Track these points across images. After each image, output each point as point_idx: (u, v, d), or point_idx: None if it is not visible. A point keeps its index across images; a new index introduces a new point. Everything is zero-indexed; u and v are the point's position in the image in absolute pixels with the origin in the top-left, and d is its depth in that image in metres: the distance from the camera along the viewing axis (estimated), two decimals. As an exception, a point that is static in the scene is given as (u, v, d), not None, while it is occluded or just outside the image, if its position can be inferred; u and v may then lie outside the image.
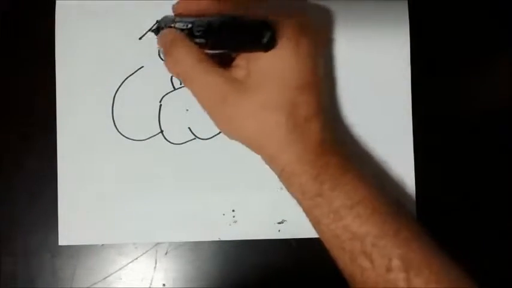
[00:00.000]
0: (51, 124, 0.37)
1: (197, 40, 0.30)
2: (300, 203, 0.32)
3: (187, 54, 0.30)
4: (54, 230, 0.37)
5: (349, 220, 0.30)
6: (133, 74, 0.37)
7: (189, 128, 0.37)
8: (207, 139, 0.37)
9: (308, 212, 0.32)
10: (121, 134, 0.37)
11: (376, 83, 0.38)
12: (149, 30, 0.37)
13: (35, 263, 0.37)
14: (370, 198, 0.30)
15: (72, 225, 0.37)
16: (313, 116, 0.31)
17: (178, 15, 0.33)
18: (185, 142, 0.37)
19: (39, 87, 0.37)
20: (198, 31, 0.30)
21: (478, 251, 0.36)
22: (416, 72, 0.37)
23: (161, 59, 0.37)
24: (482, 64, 0.38)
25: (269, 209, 0.37)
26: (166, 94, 0.37)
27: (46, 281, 0.37)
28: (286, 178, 0.32)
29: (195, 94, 0.31)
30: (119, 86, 0.37)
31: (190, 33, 0.31)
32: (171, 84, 0.37)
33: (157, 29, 0.34)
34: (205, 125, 0.37)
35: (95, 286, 0.37)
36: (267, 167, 0.37)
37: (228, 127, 0.32)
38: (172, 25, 0.32)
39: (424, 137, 0.37)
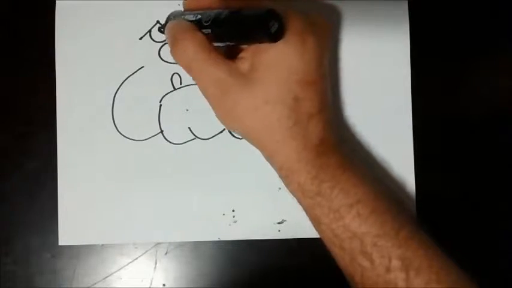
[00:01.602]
0: (51, 124, 0.37)
1: (205, 31, 0.30)
2: (299, 201, 0.32)
3: (194, 44, 0.30)
4: (54, 230, 0.37)
5: (348, 219, 0.30)
6: (133, 74, 0.37)
7: (189, 128, 0.37)
8: (207, 139, 0.37)
9: (308, 211, 0.32)
10: (121, 134, 0.37)
11: (376, 82, 0.38)
12: (159, 29, 0.37)
13: (35, 263, 0.37)
14: (369, 198, 0.30)
15: (72, 225, 0.37)
16: (315, 114, 0.31)
17: (188, 10, 0.33)
18: (185, 142, 0.37)
19: (39, 87, 0.37)
20: (207, 21, 0.30)
21: (478, 251, 0.36)
22: (417, 72, 0.37)
23: (161, 59, 0.37)
24: (482, 64, 0.38)
25: (269, 209, 0.37)
26: (166, 94, 0.37)
27: (46, 281, 0.37)
28: (284, 175, 0.32)
29: (198, 84, 0.31)
30: (119, 86, 0.37)
31: (198, 24, 0.31)
32: (171, 84, 0.37)
33: (166, 24, 0.34)
34: (205, 125, 0.37)
35: (95, 286, 0.37)
36: (267, 167, 0.37)
37: (228, 119, 0.32)
38: (182, 17, 0.32)
39: (424, 136, 0.37)
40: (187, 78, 0.37)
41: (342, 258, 0.31)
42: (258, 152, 0.37)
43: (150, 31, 0.37)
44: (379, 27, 0.38)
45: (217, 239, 0.37)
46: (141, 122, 0.37)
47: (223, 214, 0.37)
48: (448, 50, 0.38)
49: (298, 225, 0.37)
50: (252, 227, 0.37)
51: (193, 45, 0.30)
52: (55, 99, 0.37)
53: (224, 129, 0.37)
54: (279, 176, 0.32)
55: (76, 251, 0.37)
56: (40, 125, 0.37)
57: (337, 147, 0.32)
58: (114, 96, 0.37)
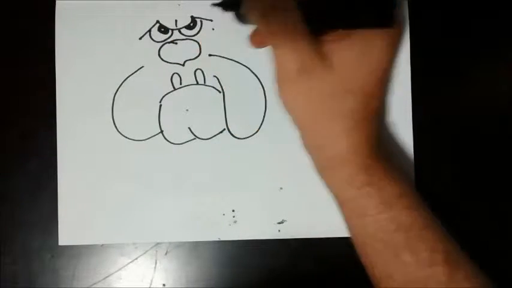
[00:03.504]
0: (51, 124, 0.37)
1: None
2: (339, 195, 0.31)
3: (281, 18, 0.29)
4: (54, 230, 0.37)
5: (397, 210, 0.30)
6: (133, 74, 0.37)
7: (189, 128, 0.37)
8: (207, 139, 0.37)
9: (350, 205, 0.31)
10: (121, 134, 0.37)
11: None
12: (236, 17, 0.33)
13: (35, 263, 0.37)
14: (412, 190, 0.31)
15: (72, 225, 0.37)
16: (378, 112, 0.31)
17: None
18: (185, 142, 0.37)
19: (39, 87, 0.37)
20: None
21: (478, 250, 0.36)
22: (417, 72, 0.37)
23: (161, 59, 0.37)
24: (483, 64, 0.38)
25: (269, 209, 0.37)
26: (166, 94, 0.37)
27: (46, 281, 0.37)
28: (332, 166, 0.31)
29: (279, 54, 0.30)
30: (119, 86, 0.37)
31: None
32: (171, 84, 0.37)
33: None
34: (205, 125, 0.37)
35: (95, 286, 0.37)
36: (267, 167, 0.37)
37: (294, 99, 0.31)
38: None
39: (424, 136, 0.37)
40: (187, 78, 0.37)
41: (383, 254, 0.30)
42: (258, 152, 0.37)
43: (150, 31, 0.37)
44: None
45: (217, 239, 0.37)
46: (141, 122, 0.37)
47: (223, 214, 0.37)
48: (448, 50, 0.38)
49: (298, 225, 0.37)
50: (252, 227, 0.37)
51: (278, 16, 0.29)
52: (55, 99, 0.37)
53: (224, 129, 0.37)
54: (320, 168, 0.32)
55: (76, 251, 0.37)
56: (40, 125, 0.37)
57: (382, 143, 0.32)
58: (114, 96, 0.37)
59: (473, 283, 0.29)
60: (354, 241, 0.32)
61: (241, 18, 0.31)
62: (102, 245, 0.37)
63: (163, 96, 0.37)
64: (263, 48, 0.34)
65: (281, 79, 0.31)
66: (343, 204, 0.32)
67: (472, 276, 0.29)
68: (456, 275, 0.29)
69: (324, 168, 0.32)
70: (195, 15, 0.37)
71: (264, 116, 0.37)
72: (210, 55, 0.37)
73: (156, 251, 0.37)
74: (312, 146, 0.32)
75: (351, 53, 0.30)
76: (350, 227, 0.32)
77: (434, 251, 0.29)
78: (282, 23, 0.29)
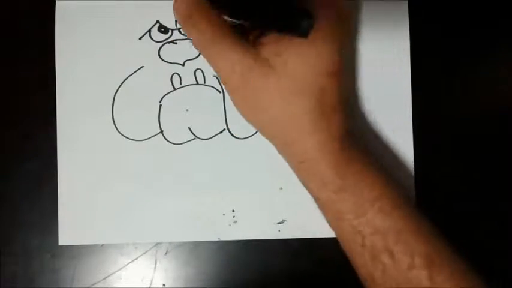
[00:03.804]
0: (51, 124, 0.37)
1: (226, 18, 0.28)
2: (317, 197, 0.31)
3: (208, 22, 0.28)
4: (54, 230, 0.37)
5: (372, 215, 0.29)
6: (133, 74, 0.37)
7: (189, 128, 0.37)
8: (207, 139, 0.37)
9: (327, 207, 0.31)
10: (121, 134, 0.37)
11: (376, 83, 0.37)
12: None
13: (35, 263, 0.37)
14: (392, 193, 0.30)
15: (72, 225, 0.37)
16: (338, 105, 0.30)
17: None
18: (185, 142, 0.37)
19: (39, 87, 0.37)
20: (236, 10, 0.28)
21: (478, 248, 0.36)
22: (417, 72, 0.37)
23: (161, 59, 0.37)
24: (483, 63, 0.38)
25: (269, 209, 0.37)
26: (166, 94, 0.37)
27: (46, 281, 0.37)
28: (305, 168, 0.31)
29: (215, 68, 0.29)
30: (119, 86, 0.37)
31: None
32: (171, 84, 0.37)
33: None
34: (205, 125, 0.37)
35: (95, 286, 0.37)
36: (267, 167, 0.37)
37: (248, 109, 0.30)
38: None
39: (424, 136, 0.37)
40: (187, 78, 0.37)
41: (362, 257, 0.30)
42: (258, 152, 0.37)
43: (150, 31, 0.37)
44: (379, 27, 0.38)
45: (217, 239, 0.37)
46: (141, 122, 0.37)
47: (223, 214, 0.37)
48: (448, 50, 0.38)
49: (298, 225, 0.37)
50: (252, 227, 0.37)
51: (208, 23, 0.28)
52: (55, 99, 0.37)
53: (224, 129, 0.37)
54: (296, 171, 0.31)
55: (76, 251, 0.37)
56: (40, 125, 0.37)
57: (358, 140, 0.31)
58: (114, 96, 0.37)
59: (459, 283, 0.28)
60: (339, 242, 0.32)
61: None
62: (102, 245, 0.37)
63: (163, 96, 0.37)
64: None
65: (227, 89, 0.30)
66: (321, 207, 0.31)
67: (457, 277, 0.28)
68: (438, 277, 0.28)
69: (299, 170, 0.31)
70: (195, 15, 0.37)
71: (264, 116, 0.37)
72: (210, 55, 0.37)
73: (156, 251, 0.37)
74: (281, 152, 0.32)
75: (291, 53, 0.29)
76: (332, 228, 0.32)
77: (414, 254, 0.28)
78: (208, 33, 0.28)
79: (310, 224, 0.37)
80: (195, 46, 0.30)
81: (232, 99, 0.31)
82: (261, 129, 0.31)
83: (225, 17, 0.28)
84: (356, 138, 0.31)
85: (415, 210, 0.30)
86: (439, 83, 0.38)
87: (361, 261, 0.30)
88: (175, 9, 0.29)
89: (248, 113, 0.31)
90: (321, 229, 0.37)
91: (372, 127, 0.37)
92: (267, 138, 0.32)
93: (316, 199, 0.31)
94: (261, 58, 0.29)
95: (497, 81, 0.38)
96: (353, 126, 0.31)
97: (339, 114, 0.30)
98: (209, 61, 0.30)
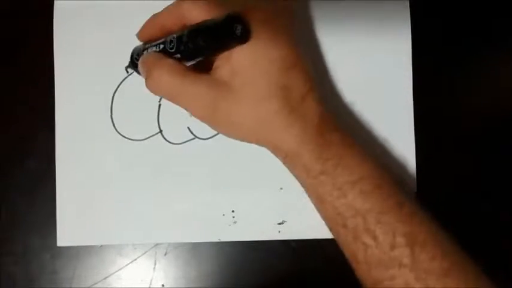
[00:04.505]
0: (50, 124, 0.37)
1: (173, 57, 0.30)
2: (303, 184, 0.32)
3: (169, 72, 0.30)
4: (53, 231, 0.37)
5: (352, 197, 0.30)
6: (132, 73, 0.37)
7: (188, 127, 0.37)
8: (206, 139, 0.37)
9: (311, 192, 0.32)
10: (120, 133, 0.37)
11: (377, 82, 0.37)
12: (125, 68, 0.37)
13: (34, 263, 0.37)
14: (372, 175, 0.30)
15: (71, 226, 0.37)
16: (306, 94, 0.31)
17: (147, 42, 0.33)
18: (184, 142, 0.37)
19: (38, 87, 0.37)
20: (171, 48, 0.30)
21: (478, 246, 0.36)
22: (418, 72, 0.37)
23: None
24: (483, 63, 0.38)
25: (269, 210, 0.37)
26: (166, 94, 0.37)
27: (46, 282, 0.37)
28: (290, 161, 0.32)
29: (186, 108, 0.31)
30: (118, 86, 0.37)
31: (164, 53, 0.31)
32: (170, 83, 0.37)
33: (132, 63, 0.34)
34: (205, 124, 0.37)
35: (95, 286, 0.37)
36: (267, 167, 0.37)
37: (227, 129, 0.32)
38: (145, 51, 0.32)
39: (426, 136, 0.37)
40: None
41: (345, 237, 0.30)
42: (258, 152, 0.37)
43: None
44: (381, 27, 0.37)
45: (217, 240, 0.37)
46: (140, 122, 0.37)
47: (223, 214, 0.37)
48: (449, 49, 0.38)
49: (298, 226, 0.37)
50: (252, 228, 0.37)
51: (169, 73, 0.30)
52: (54, 99, 0.37)
53: (224, 129, 0.37)
54: (283, 164, 0.32)
55: (76, 252, 0.37)
56: (39, 125, 0.37)
57: (337, 124, 0.32)
58: (113, 96, 0.37)
59: (443, 263, 0.28)
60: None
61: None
62: (101, 245, 0.37)
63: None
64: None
65: (204, 122, 0.32)
66: (307, 192, 0.32)
67: (441, 256, 0.29)
68: (419, 256, 0.28)
69: (285, 163, 0.32)
70: (194, 14, 0.37)
71: (264, 116, 0.37)
72: (209, 54, 0.37)
73: (156, 251, 0.37)
74: (270, 150, 0.33)
75: (243, 66, 0.30)
76: (317, 211, 0.32)
77: (395, 233, 0.29)
78: (163, 80, 0.30)
79: (310, 224, 0.36)
80: (161, 95, 0.32)
81: (212, 128, 0.32)
82: (243, 140, 0.32)
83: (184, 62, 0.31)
84: (333, 118, 0.32)
85: (398, 190, 0.31)
86: (440, 83, 0.38)
87: (344, 242, 0.31)
88: (141, 71, 0.32)
89: (226, 132, 0.32)
90: (321, 230, 0.36)
91: (374, 127, 0.37)
92: (258, 145, 0.33)
93: (302, 185, 0.32)
94: (220, 81, 0.30)
95: (499, 81, 0.38)
96: (328, 106, 0.32)
97: (309, 102, 0.31)
98: (181, 105, 0.31)
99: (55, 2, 0.37)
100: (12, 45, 0.38)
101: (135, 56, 0.34)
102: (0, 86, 0.38)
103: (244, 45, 0.29)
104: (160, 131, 0.37)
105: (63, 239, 0.37)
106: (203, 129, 0.37)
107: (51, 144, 0.37)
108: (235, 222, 0.37)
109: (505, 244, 0.37)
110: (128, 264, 0.37)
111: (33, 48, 0.37)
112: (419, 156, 0.37)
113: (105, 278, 0.37)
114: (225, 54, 0.30)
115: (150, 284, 0.37)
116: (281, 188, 0.37)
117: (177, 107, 0.37)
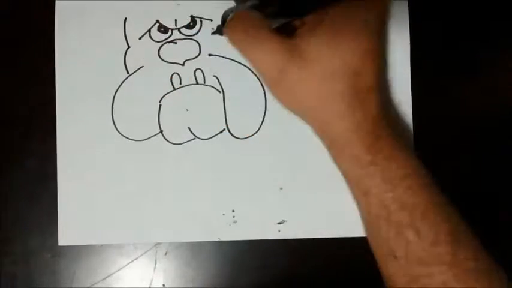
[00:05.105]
0: (51, 124, 0.37)
1: (269, 9, 0.30)
2: (348, 174, 0.32)
3: (243, 23, 0.30)
4: (54, 230, 0.37)
5: (401, 191, 0.30)
6: (133, 74, 0.37)
7: (189, 128, 0.37)
8: (207, 139, 0.37)
9: (356, 183, 0.31)
10: (121, 134, 0.37)
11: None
12: (215, 31, 0.37)
13: (34, 263, 0.37)
14: (420, 172, 0.31)
15: (72, 226, 0.37)
16: (372, 87, 0.31)
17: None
18: (185, 142, 0.37)
19: (39, 88, 0.37)
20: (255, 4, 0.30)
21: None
22: (417, 72, 0.37)
23: (161, 59, 0.37)
24: (483, 63, 0.38)
25: (269, 209, 0.37)
26: (166, 94, 0.37)
27: (46, 281, 0.37)
28: (338, 147, 0.31)
29: (256, 65, 0.31)
30: (119, 86, 0.37)
31: (261, 7, 0.31)
32: (171, 84, 0.37)
33: (223, 23, 0.33)
34: (205, 125, 0.37)
35: (95, 286, 0.37)
36: (267, 167, 0.37)
37: (287, 99, 0.32)
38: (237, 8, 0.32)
39: (425, 136, 0.37)
40: (187, 78, 0.37)
41: (387, 232, 0.30)
42: (258, 152, 0.37)
43: (149, 31, 0.37)
44: (380, 27, 0.37)
45: (217, 239, 0.37)
46: (140, 122, 0.37)
47: (223, 214, 0.37)
48: (448, 50, 0.38)
49: (298, 225, 0.37)
50: (252, 227, 0.37)
51: (245, 20, 0.30)
52: (55, 99, 0.37)
53: (224, 129, 0.37)
54: (329, 149, 0.32)
55: (76, 252, 0.37)
56: (40, 125, 0.37)
57: (388, 123, 0.32)
58: (114, 96, 0.37)
59: (479, 264, 0.29)
60: (362, 220, 0.32)
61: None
62: (102, 245, 0.37)
63: (163, 96, 0.37)
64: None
65: (266, 83, 0.32)
66: (350, 183, 0.32)
67: (478, 257, 0.29)
68: (460, 255, 0.29)
69: (331, 149, 0.32)
70: (194, 15, 0.37)
71: (264, 116, 0.37)
72: (210, 55, 0.37)
73: (156, 251, 0.37)
74: (317, 132, 0.33)
75: (323, 40, 0.30)
76: (357, 205, 0.32)
77: (439, 231, 0.29)
78: (244, 30, 0.30)
79: (310, 224, 0.37)
80: (236, 47, 0.32)
81: (271, 93, 0.32)
82: (301, 116, 0.32)
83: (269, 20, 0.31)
84: (386, 116, 0.32)
85: (440, 192, 0.31)
86: (439, 83, 0.38)
87: (385, 236, 0.30)
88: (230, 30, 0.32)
89: (287, 104, 0.32)
90: (321, 229, 0.37)
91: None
92: (305, 122, 0.33)
93: (345, 175, 0.32)
94: (297, 50, 0.30)
95: (497, 82, 0.38)
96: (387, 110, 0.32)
97: (373, 95, 0.31)
98: (250, 60, 0.31)
99: (56, 2, 0.37)
100: (12, 45, 0.38)
101: (228, 13, 0.33)
102: (1, 86, 0.38)
103: (328, 22, 0.29)
104: (161, 131, 0.37)
105: (64, 238, 0.37)
106: (204, 129, 0.37)
107: (52, 144, 0.37)
108: (235, 222, 0.37)
109: (504, 244, 0.37)
110: (129, 263, 0.37)
111: (34, 48, 0.37)
112: (418, 156, 0.37)
113: (105, 278, 0.37)
114: (310, 25, 0.30)
115: (151, 283, 0.37)
116: (281, 188, 0.37)
117: (177, 107, 0.37)
